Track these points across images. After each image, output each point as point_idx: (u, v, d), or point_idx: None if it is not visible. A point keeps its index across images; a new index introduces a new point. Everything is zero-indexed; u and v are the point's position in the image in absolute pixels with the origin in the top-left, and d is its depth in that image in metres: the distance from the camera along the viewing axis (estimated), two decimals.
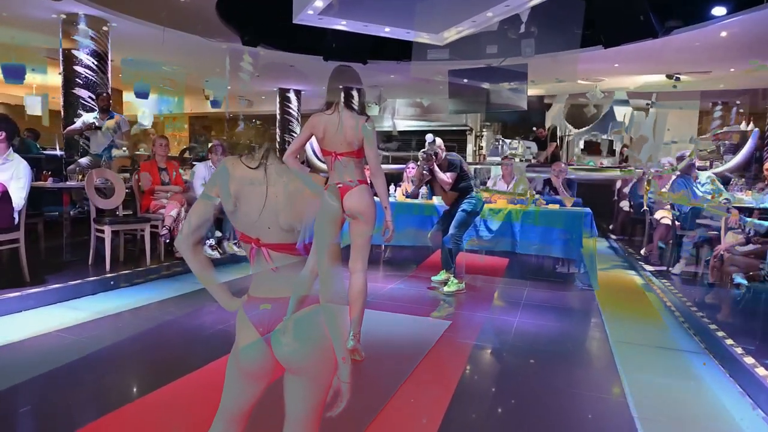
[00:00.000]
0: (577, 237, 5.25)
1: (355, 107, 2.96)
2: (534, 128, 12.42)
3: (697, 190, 5.64)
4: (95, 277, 4.10)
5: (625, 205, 7.72)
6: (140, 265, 4.65)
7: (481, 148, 14.29)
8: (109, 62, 6.60)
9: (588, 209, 5.43)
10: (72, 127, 6.02)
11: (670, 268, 5.35)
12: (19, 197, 3.58)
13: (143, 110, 12.57)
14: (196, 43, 7.45)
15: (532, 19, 7.62)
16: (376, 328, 3.61)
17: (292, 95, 13.12)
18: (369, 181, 3.02)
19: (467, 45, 9.24)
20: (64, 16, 6.25)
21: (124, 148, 5.88)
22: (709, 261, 4.49)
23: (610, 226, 8.29)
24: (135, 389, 2.56)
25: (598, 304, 4.52)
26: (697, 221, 5.34)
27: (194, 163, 6.85)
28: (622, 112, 12.42)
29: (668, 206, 5.75)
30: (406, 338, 3.47)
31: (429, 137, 4.78)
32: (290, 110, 13.19)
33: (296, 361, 1.28)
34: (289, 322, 1.27)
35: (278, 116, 13.07)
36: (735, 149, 9.41)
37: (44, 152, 7.02)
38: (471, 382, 2.86)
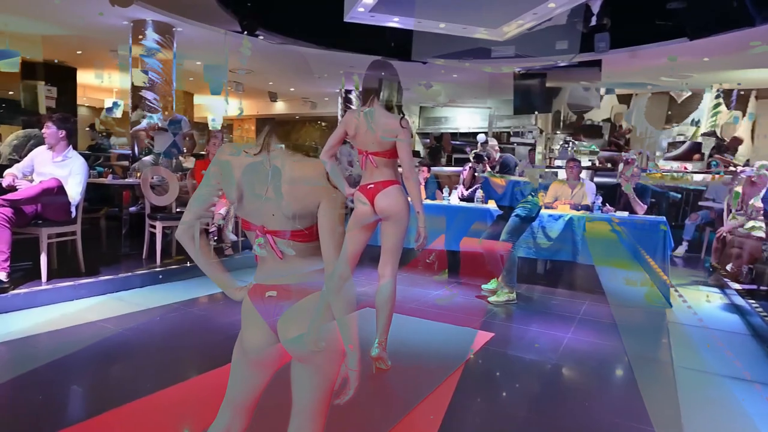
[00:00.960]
0: (650, 249, 4.81)
1: (392, 104, 2.87)
2: (619, 126, 11.62)
3: None
4: (145, 271, 4.32)
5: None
6: (190, 260, 4.84)
7: (551, 150, 13.70)
8: (174, 65, 6.99)
9: (663, 218, 4.98)
10: (137, 127, 6.43)
11: (761, 287, 4.78)
12: (75, 192, 3.84)
13: (213, 113, 13.28)
14: (255, 45, 7.71)
15: (605, 11, 7.15)
16: (413, 336, 3.51)
17: (354, 96, 13.28)
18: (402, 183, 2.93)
19: (534, 41, 8.87)
20: (133, 23, 6.70)
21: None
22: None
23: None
24: (156, 382, 2.61)
25: (668, 323, 4.11)
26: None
27: None
28: (712, 111, 11.39)
29: (761, 216, 5.18)
30: (442, 348, 3.32)
31: (481, 138, 4.61)
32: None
33: (303, 348, 1.27)
34: (295, 309, 1.28)
35: (341, 118, 13.25)
36: None
37: (116, 151, 7.56)
38: (500, 400, 2.67)
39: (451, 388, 2.71)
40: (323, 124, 16.42)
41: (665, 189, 7.77)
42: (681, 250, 5.01)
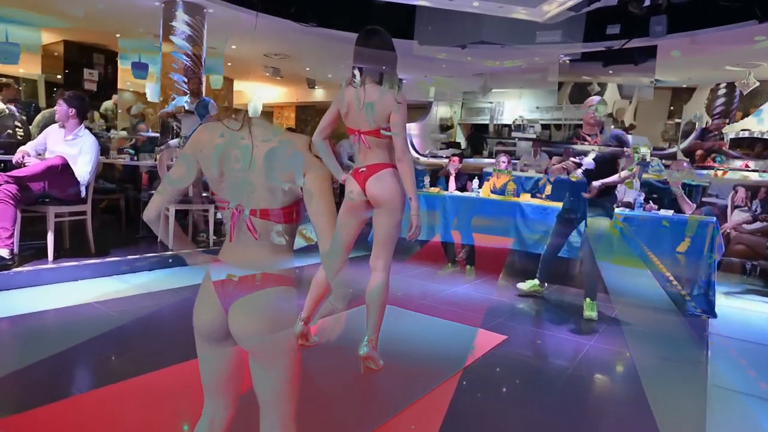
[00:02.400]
0: (695, 251, 4.36)
1: (387, 78, 2.63)
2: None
3: None
4: (153, 254, 4.31)
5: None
6: (201, 246, 4.81)
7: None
8: (204, 47, 7.00)
9: (713, 218, 4.51)
10: (164, 110, 6.48)
11: None
12: (84, 171, 3.85)
13: (252, 99, 13.40)
14: (290, 28, 7.62)
15: None
16: (416, 334, 3.32)
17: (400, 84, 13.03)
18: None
19: (583, 25, 8.33)
20: (164, 4, 6.74)
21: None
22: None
23: None
24: (135, 367, 2.53)
25: (708, 335, 3.72)
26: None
27: None
28: None
29: None
30: (446, 349, 3.10)
31: (594, 99, 3.88)
32: None
33: (247, 340, 1.26)
34: (249, 300, 1.25)
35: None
36: None
37: (148, 134, 7.68)
38: (498, 411, 2.43)
39: (447, 394, 2.50)
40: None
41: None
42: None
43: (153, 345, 2.83)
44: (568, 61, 9.13)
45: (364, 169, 2.58)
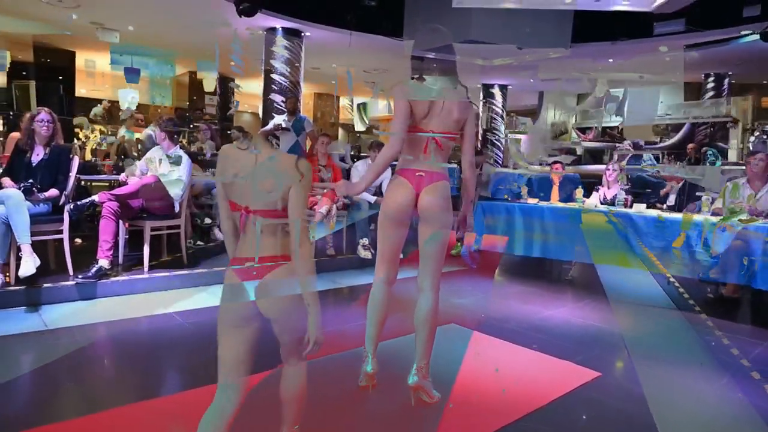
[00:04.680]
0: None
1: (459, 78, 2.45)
2: None
3: None
4: (237, 266, 4.50)
5: None
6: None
7: (748, 143, 11.26)
8: (302, 69, 7.34)
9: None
10: (264, 128, 6.88)
11: None
12: (177, 188, 4.16)
13: (355, 115, 13.81)
14: (384, 44, 7.70)
15: None
16: (487, 364, 2.98)
17: (496, 91, 12.60)
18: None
19: (714, 10, 7.29)
20: (266, 31, 7.20)
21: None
22: None
23: None
24: (192, 380, 2.62)
25: None
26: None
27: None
28: None
29: None
30: (521, 383, 2.74)
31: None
32: (495, 107, 12.69)
33: (271, 309, 1.62)
34: (271, 277, 1.60)
35: (482, 114, 12.71)
36: None
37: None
38: None
39: None
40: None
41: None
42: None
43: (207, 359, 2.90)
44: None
45: (422, 173, 2.39)
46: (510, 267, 5.56)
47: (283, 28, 7.14)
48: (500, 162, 12.70)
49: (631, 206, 5.16)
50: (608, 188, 5.81)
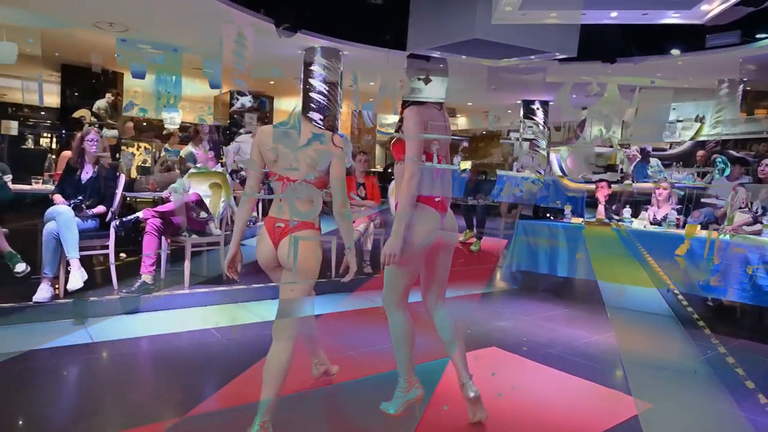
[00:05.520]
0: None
1: None
2: None
3: None
4: (275, 284, 4.59)
5: None
6: (324, 276, 5.01)
7: None
8: (340, 86, 7.51)
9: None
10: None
11: None
12: (219, 206, 4.31)
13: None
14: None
15: None
16: (527, 392, 2.94)
17: (537, 107, 12.51)
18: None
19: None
20: (305, 51, 7.41)
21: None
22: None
23: None
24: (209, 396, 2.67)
25: None
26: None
27: None
28: None
29: None
30: (570, 414, 2.67)
31: None
32: (536, 123, 12.60)
33: (290, 261, 2.08)
34: (292, 239, 2.05)
35: (522, 130, 12.63)
36: None
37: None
38: None
39: None
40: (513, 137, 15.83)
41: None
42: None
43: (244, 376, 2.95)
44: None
45: (439, 198, 2.39)
46: (554, 288, 5.44)
47: (321, 47, 7.35)
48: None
49: (683, 226, 5.00)
50: (658, 207, 5.65)
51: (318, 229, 2.18)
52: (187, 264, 4.17)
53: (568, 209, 6.00)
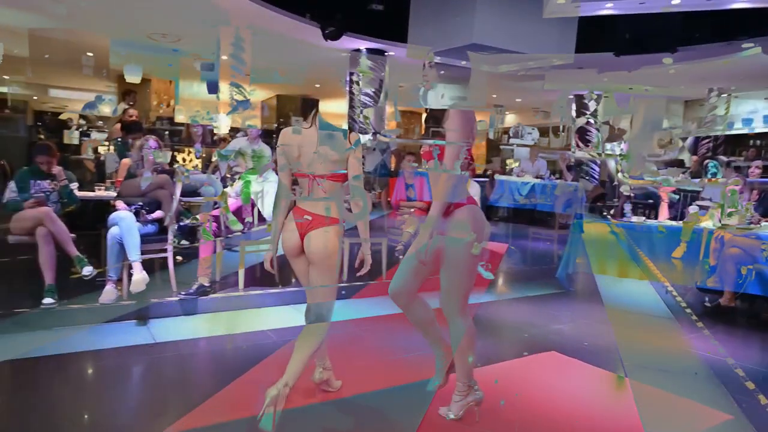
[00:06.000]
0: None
1: None
2: None
3: None
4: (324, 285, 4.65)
5: None
6: (374, 278, 5.04)
7: None
8: (384, 87, 7.55)
9: None
10: (348, 148, 7.13)
11: None
12: (269, 208, 4.42)
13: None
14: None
15: None
16: (598, 398, 2.88)
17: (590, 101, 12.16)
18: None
19: None
20: (350, 53, 7.50)
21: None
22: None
23: None
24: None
25: None
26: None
27: None
28: None
29: None
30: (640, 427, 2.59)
31: None
32: (590, 119, 12.25)
33: (313, 253, 2.35)
34: (315, 232, 2.33)
35: (576, 126, 12.30)
36: None
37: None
38: None
39: None
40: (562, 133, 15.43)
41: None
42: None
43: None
44: None
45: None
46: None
47: (367, 48, 7.42)
48: (596, 177, 12.26)
49: (758, 223, 4.75)
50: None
51: (342, 222, 2.39)
52: (241, 267, 4.30)
53: (628, 207, 5.82)
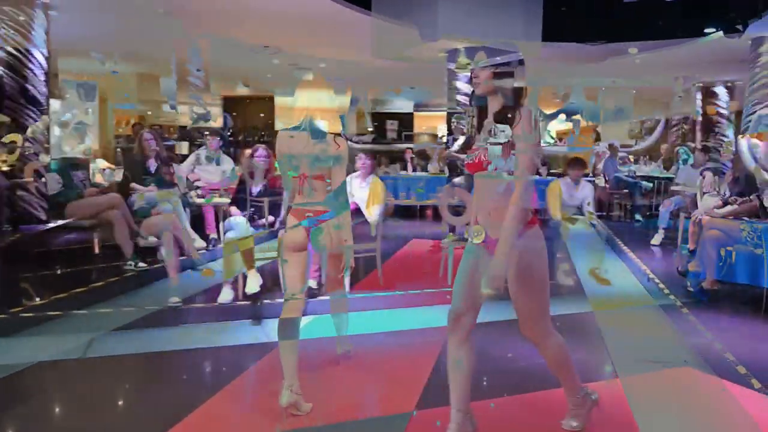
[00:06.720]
0: None
1: None
2: None
3: None
4: (433, 290, 4.63)
5: None
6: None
7: None
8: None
9: None
10: (449, 150, 7.12)
11: None
12: (374, 213, 4.55)
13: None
14: (570, 52, 7.42)
15: None
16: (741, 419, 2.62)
17: (720, 89, 11.14)
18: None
19: None
20: (448, 53, 7.50)
21: None
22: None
23: None
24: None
25: None
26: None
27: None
28: None
29: None
30: None
31: None
32: (719, 108, 11.22)
33: (322, 247, 2.66)
34: (322, 226, 2.62)
35: (700, 117, 11.35)
36: None
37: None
38: None
39: None
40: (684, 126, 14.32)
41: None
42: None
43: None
44: None
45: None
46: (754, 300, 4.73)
47: (464, 47, 7.35)
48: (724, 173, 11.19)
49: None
50: None
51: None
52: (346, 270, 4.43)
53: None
